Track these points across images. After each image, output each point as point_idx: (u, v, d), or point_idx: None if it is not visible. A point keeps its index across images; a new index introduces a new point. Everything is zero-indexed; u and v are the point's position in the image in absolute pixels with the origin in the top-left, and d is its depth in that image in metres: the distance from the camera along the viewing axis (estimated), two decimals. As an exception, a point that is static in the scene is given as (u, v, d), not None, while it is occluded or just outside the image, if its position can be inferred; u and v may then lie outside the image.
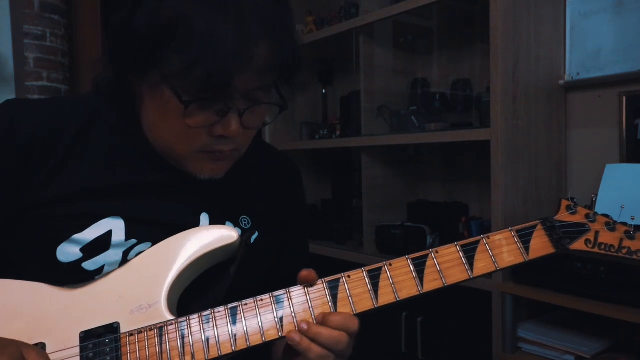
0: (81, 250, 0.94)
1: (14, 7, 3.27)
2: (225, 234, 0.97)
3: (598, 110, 2.25)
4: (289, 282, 0.95)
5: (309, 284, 0.93)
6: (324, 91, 3.49)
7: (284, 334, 0.90)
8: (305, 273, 0.93)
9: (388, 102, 2.81)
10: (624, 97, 2.14)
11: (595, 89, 2.25)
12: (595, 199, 1.05)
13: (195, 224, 1.01)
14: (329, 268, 0.96)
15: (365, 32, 2.76)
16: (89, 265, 0.94)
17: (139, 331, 0.90)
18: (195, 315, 0.90)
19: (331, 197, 3.43)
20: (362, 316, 0.93)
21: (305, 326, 0.88)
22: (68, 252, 0.93)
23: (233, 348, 0.88)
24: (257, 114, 0.96)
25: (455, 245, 0.97)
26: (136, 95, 0.97)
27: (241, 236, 0.99)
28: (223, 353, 0.88)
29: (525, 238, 0.99)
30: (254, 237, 1.08)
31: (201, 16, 0.82)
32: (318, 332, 0.88)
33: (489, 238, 0.98)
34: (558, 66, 2.29)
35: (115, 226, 0.96)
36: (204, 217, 1.03)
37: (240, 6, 0.84)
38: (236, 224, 1.06)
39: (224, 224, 1.04)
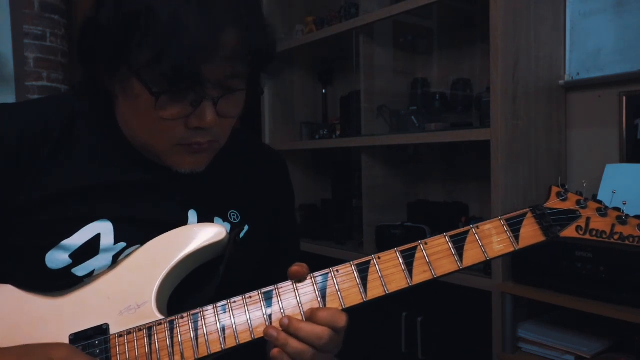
0: (70, 256, 0.93)
1: (14, 7, 3.27)
2: (213, 232, 0.96)
3: (598, 110, 2.24)
4: (280, 274, 0.94)
5: (299, 278, 0.93)
6: (324, 91, 3.50)
7: None
8: (295, 268, 0.92)
9: (388, 102, 2.81)
10: (624, 97, 2.13)
11: (595, 89, 2.24)
12: (587, 186, 1.04)
13: (184, 221, 1.00)
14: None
15: (365, 32, 2.76)
16: (79, 271, 0.93)
17: (128, 332, 0.89)
18: (184, 315, 0.90)
19: (331, 197, 3.42)
20: (355, 311, 0.92)
21: (286, 321, 0.88)
22: (57, 259, 0.92)
23: (222, 346, 0.88)
24: (234, 102, 0.94)
25: (445, 236, 0.96)
26: (110, 93, 0.95)
27: (229, 233, 0.98)
28: (212, 352, 0.88)
29: (515, 227, 0.97)
30: (243, 231, 1.07)
31: (164, 5, 0.81)
32: (299, 328, 0.87)
33: (478, 228, 0.96)
34: (558, 66, 2.28)
35: (103, 229, 0.95)
36: (192, 214, 1.02)
37: None
38: (225, 219, 1.05)
39: (212, 219, 1.04)
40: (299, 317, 0.90)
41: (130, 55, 0.84)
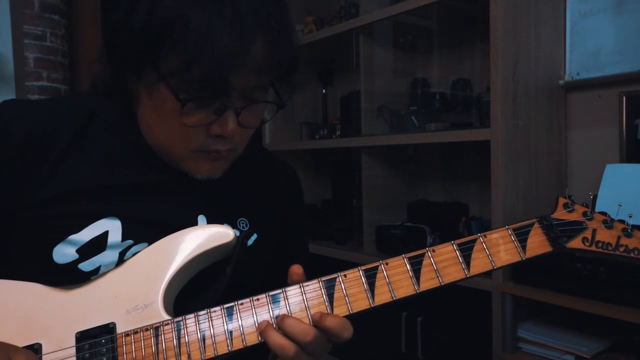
0: (77, 251, 0.93)
1: (14, 7, 3.26)
2: (221, 233, 0.96)
3: (598, 110, 2.24)
4: (286, 284, 0.94)
5: (298, 280, 0.93)
6: (324, 91, 3.50)
7: None
8: (298, 269, 0.93)
9: (388, 102, 2.81)
10: (624, 97, 2.13)
11: (595, 89, 2.24)
12: (593, 197, 1.04)
13: (193, 225, 1.00)
14: (329, 268, 0.95)
15: (365, 32, 2.76)
16: (85, 266, 0.94)
17: (135, 331, 0.89)
18: (191, 315, 0.90)
19: (331, 197, 3.43)
20: (358, 316, 0.92)
21: (280, 317, 0.88)
22: (64, 253, 0.93)
23: (229, 348, 0.88)
24: (255, 113, 0.95)
25: (452, 244, 0.96)
26: (133, 95, 0.96)
27: (237, 235, 0.99)
28: (219, 353, 0.88)
29: (522, 237, 0.97)
30: (252, 239, 1.08)
31: (198, 14, 0.81)
32: (287, 323, 0.87)
33: (485, 237, 0.97)
34: (558, 66, 2.29)
35: (111, 227, 0.95)
36: (201, 219, 1.03)
37: (237, 4, 0.83)
38: (234, 227, 1.05)
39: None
40: (307, 321, 0.90)
41: (160, 61, 0.85)
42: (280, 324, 0.88)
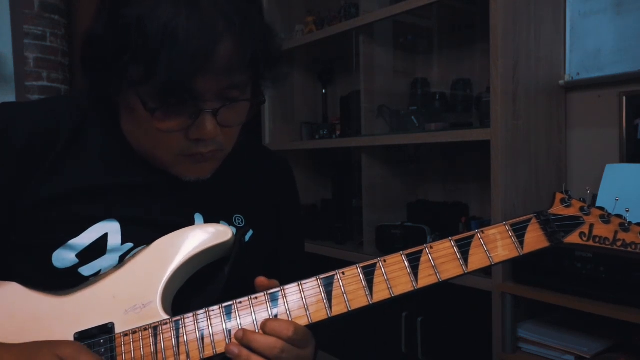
0: (77, 256, 0.93)
1: (14, 7, 3.27)
2: (219, 232, 0.97)
3: (598, 110, 2.24)
4: (285, 280, 0.94)
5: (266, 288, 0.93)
6: (324, 91, 3.49)
7: None
8: (263, 280, 0.93)
9: (388, 102, 2.81)
10: (624, 97, 2.13)
11: (595, 89, 2.24)
12: (590, 193, 1.04)
13: (190, 224, 1.00)
14: (329, 268, 0.95)
15: (365, 32, 2.76)
16: (86, 270, 0.94)
17: (134, 331, 0.90)
18: (190, 315, 0.90)
19: (331, 197, 3.42)
20: (358, 315, 0.92)
21: (241, 334, 0.87)
22: (64, 258, 0.93)
23: None
24: (237, 112, 0.93)
25: (450, 240, 0.96)
26: (114, 104, 0.95)
27: (235, 234, 0.98)
28: (218, 352, 0.88)
29: (519, 232, 0.98)
30: (248, 235, 1.08)
31: (154, 19, 0.79)
32: (252, 339, 0.87)
33: (483, 232, 0.97)
34: (558, 66, 2.29)
35: (110, 229, 0.95)
36: (198, 217, 1.03)
37: (197, 4, 0.81)
38: (230, 223, 1.05)
39: (218, 223, 1.04)
40: (305, 320, 0.90)
41: (126, 70, 0.83)
42: (246, 341, 0.87)
